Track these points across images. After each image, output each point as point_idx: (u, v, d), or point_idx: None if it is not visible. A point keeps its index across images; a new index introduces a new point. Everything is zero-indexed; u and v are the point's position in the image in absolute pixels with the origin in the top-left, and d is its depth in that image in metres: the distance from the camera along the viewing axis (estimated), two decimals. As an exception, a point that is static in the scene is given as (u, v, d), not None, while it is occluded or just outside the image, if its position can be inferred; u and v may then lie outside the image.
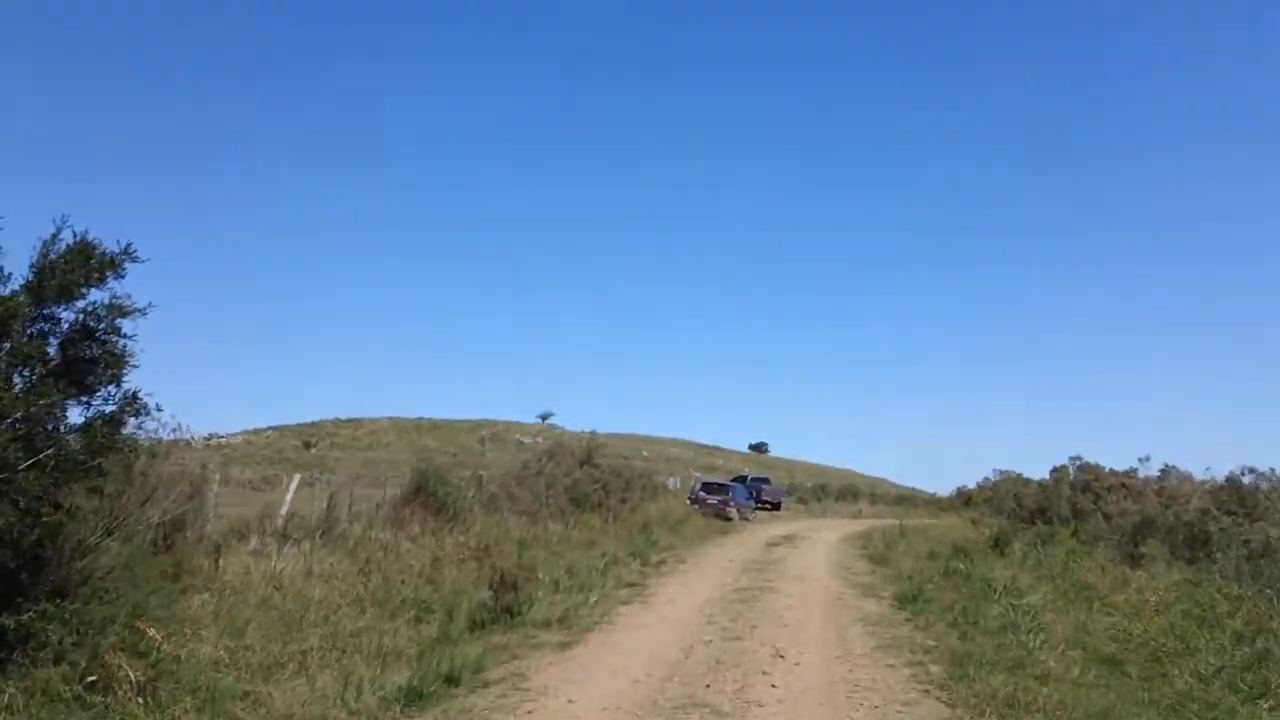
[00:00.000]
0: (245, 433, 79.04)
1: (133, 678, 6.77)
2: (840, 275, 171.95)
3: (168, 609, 8.37)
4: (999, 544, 22.00)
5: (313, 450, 71.82)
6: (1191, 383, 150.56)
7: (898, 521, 32.71)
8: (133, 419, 7.42)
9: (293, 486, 16.66)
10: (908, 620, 13.01)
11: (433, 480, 17.71)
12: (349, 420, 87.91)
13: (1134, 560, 18.06)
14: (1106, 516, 23.97)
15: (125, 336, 7.15)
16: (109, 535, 8.19)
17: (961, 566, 18.43)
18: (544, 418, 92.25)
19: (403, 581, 12.59)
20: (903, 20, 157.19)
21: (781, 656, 10.08)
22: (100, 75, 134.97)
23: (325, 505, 15.95)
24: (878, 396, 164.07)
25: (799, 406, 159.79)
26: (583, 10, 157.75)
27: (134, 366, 7.32)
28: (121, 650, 7.06)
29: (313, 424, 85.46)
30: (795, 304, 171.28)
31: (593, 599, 13.17)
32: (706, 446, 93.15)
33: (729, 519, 33.79)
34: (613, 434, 79.30)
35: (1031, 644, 10.99)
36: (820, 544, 26.34)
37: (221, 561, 11.59)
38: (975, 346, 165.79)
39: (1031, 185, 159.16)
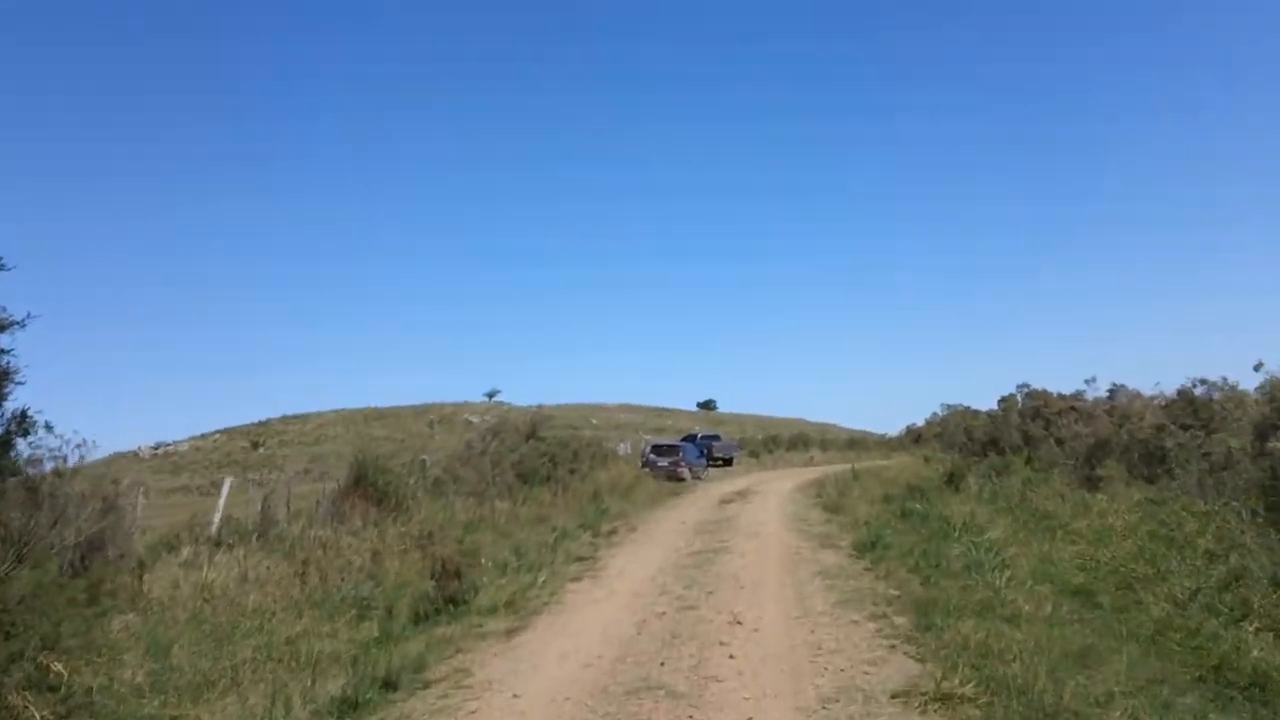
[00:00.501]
0: (192, 439, 77.71)
1: (38, 717, 6.25)
2: (769, 229, 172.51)
3: (84, 636, 7.82)
4: (953, 480, 21.88)
5: (261, 450, 70.72)
6: (1129, 301, 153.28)
7: (850, 466, 32.56)
8: (22, 439, 6.91)
9: (225, 490, 16.04)
10: (867, 570, 12.68)
11: (372, 469, 17.09)
12: (296, 416, 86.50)
13: (1091, 483, 17.93)
14: (1059, 441, 23.93)
15: (4, 352, 6.60)
16: (20, 563, 7.60)
17: (918, 507, 18.21)
18: (491, 395, 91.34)
19: (342, 579, 12.11)
20: None
21: (739, 623, 9.67)
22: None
23: (260, 506, 15.35)
24: (820, 344, 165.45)
25: (743, 362, 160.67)
26: None
27: (18, 383, 6.83)
28: (28, 689, 6.52)
29: (260, 424, 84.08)
30: (730, 261, 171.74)
31: (541, 578, 12.68)
32: (656, 409, 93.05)
33: (681, 479, 33.40)
34: (561, 405, 79.15)
35: (997, 582, 10.68)
36: (773, 496, 26.10)
37: (147, 577, 11.05)
38: (909, 287, 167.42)
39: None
